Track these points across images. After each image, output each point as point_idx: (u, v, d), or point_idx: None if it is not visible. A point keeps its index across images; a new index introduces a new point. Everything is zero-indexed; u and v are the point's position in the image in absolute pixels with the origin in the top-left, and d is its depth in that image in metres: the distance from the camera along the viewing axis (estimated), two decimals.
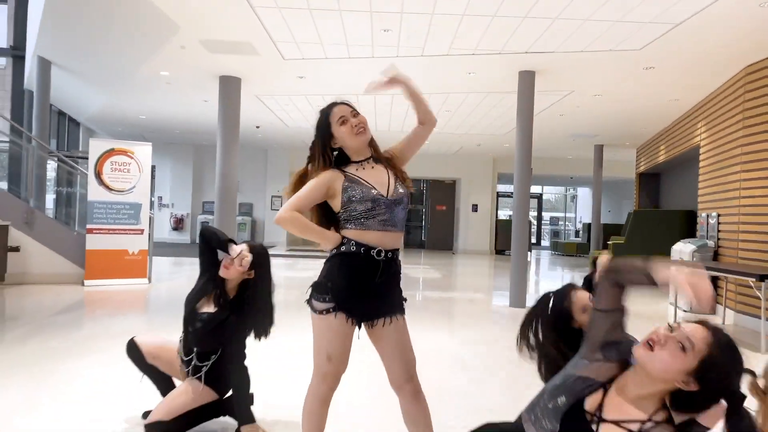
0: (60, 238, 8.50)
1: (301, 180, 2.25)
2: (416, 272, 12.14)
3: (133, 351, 2.99)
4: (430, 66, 7.70)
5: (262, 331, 2.83)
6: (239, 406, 2.71)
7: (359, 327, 2.21)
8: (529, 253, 17.72)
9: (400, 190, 2.22)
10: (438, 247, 20.10)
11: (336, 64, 7.85)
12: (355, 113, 2.27)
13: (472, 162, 18.67)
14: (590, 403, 1.52)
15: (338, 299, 2.13)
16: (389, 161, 2.30)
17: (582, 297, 2.25)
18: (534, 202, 25.57)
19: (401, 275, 2.29)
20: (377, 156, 2.29)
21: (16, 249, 8.13)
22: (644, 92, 8.80)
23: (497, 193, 20.18)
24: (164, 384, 3.05)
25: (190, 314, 2.81)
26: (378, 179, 2.21)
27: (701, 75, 7.66)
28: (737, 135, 7.39)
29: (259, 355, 3.34)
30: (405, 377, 2.22)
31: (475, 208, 19.06)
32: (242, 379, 2.75)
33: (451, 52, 7.08)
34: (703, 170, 8.78)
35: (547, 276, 13.94)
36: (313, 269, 11.71)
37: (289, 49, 7.21)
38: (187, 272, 10.56)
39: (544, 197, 28.85)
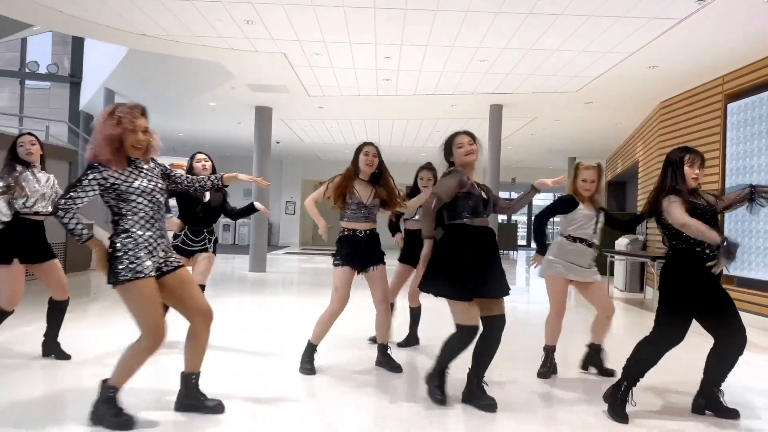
0: None
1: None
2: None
3: None
4: (420, 101, 10.02)
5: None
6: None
7: (359, 273, 3.92)
8: (515, 252, 20.03)
9: (373, 201, 3.97)
10: None
11: (348, 100, 10.17)
12: (375, 154, 4.05)
13: None
14: None
15: (344, 259, 3.92)
16: (381, 185, 3.99)
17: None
18: (525, 208, 27.82)
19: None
20: (374, 179, 4.02)
21: None
22: (593, 118, 11.09)
23: None
24: None
25: (193, 214, 4.46)
26: (364, 192, 3.95)
27: (628, 108, 9.97)
28: (656, 154, 9.65)
29: (293, 313, 5.59)
30: (379, 300, 4.09)
31: None
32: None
33: (436, 92, 9.39)
34: (640, 181, 11.06)
35: (523, 268, 16.11)
36: (321, 263, 13.99)
37: (313, 89, 9.53)
38: (215, 261, 12.84)
39: (538, 204, 31.24)
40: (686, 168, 3.29)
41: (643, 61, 7.23)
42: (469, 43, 6.85)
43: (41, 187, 4.06)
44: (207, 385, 3.14)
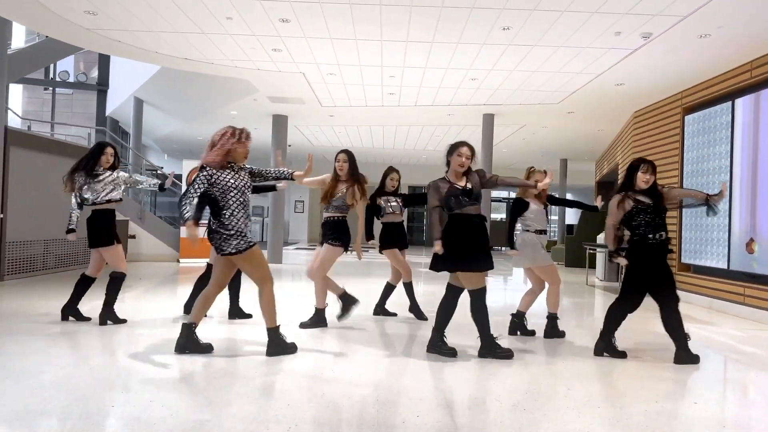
0: (161, 229, 12.05)
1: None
2: (419, 259, 15.60)
3: None
4: (420, 111, 11.25)
5: None
6: None
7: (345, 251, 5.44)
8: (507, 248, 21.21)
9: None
10: None
11: (356, 110, 11.41)
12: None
13: None
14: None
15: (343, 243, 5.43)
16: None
17: None
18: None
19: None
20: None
21: (133, 237, 11.68)
22: (577, 125, 12.29)
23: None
24: None
25: None
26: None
27: (607, 117, 11.17)
28: (631, 158, 10.85)
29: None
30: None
31: None
32: None
33: (434, 104, 10.62)
34: (620, 182, 12.24)
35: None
36: None
37: (326, 101, 10.76)
38: None
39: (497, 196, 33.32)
40: (640, 173, 4.37)
41: (611, 80, 8.44)
42: (461, 66, 8.07)
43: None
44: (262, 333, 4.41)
